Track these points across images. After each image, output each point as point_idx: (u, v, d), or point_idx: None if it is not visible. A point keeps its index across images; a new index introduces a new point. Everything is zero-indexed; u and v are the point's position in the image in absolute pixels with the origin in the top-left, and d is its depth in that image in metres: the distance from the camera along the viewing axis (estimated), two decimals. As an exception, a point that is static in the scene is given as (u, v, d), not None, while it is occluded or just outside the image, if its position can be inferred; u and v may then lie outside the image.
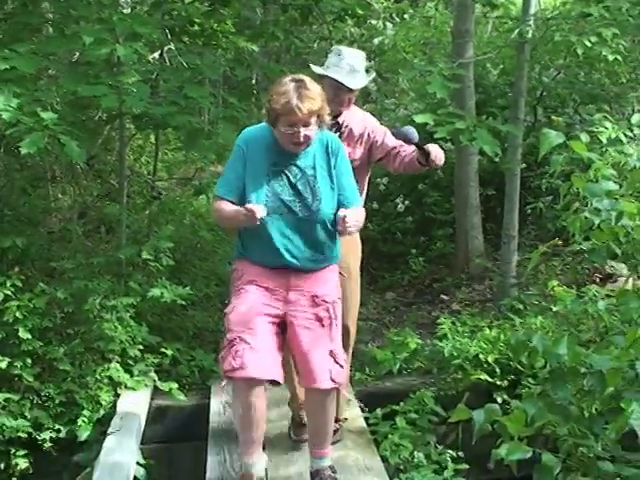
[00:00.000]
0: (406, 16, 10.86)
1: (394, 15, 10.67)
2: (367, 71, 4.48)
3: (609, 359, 3.30)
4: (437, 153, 4.19)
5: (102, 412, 5.30)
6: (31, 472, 5.22)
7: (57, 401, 5.30)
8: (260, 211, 3.60)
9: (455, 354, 5.59)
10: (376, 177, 8.52)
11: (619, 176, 4.10)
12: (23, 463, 5.18)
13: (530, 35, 6.61)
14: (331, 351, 3.81)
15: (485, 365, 5.47)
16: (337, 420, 4.42)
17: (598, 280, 6.93)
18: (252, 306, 3.79)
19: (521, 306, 6.46)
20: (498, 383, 5.39)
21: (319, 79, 4.27)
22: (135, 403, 5.32)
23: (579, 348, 3.47)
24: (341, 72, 4.27)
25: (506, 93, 8.80)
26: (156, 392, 5.57)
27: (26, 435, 5.18)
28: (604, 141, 5.95)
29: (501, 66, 9.45)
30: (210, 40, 7.14)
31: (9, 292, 5.39)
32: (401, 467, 4.68)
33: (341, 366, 3.84)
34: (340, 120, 4.37)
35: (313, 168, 3.82)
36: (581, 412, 3.48)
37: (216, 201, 3.88)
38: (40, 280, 5.75)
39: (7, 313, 5.29)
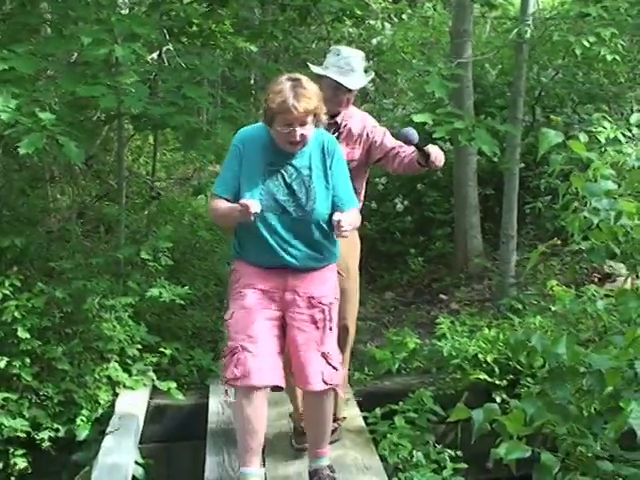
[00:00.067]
0: (404, 16, 10.85)
1: (392, 15, 10.65)
2: (366, 71, 4.46)
3: (608, 359, 3.30)
4: (437, 154, 4.17)
5: (101, 411, 5.30)
6: (30, 471, 5.22)
7: (56, 400, 5.30)
8: (254, 206, 3.59)
9: (454, 354, 5.60)
10: (375, 177, 8.53)
11: (618, 176, 4.10)
12: (22, 462, 5.18)
13: (528, 35, 6.61)
14: (324, 353, 3.80)
15: (484, 365, 5.47)
16: (336, 419, 4.42)
17: (597, 280, 6.93)
18: (251, 311, 3.78)
19: (520, 306, 6.46)
20: (497, 383, 5.39)
21: (318, 79, 4.27)
22: (134, 402, 5.33)
23: (578, 348, 3.47)
24: (340, 72, 4.26)
25: (504, 93, 8.80)
26: (155, 391, 5.57)
27: (25, 434, 5.18)
28: (602, 141, 5.95)
29: (499, 66, 9.46)
30: (208, 40, 7.14)
31: (8, 292, 5.39)
32: (400, 466, 4.68)
33: (335, 368, 3.82)
34: (339, 120, 4.36)
35: (309, 168, 3.80)
36: (580, 411, 3.48)
37: (213, 200, 3.88)
38: (39, 280, 5.75)
39: (6, 313, 5.28)
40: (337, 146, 3.94)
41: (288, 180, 3.78)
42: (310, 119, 3.69)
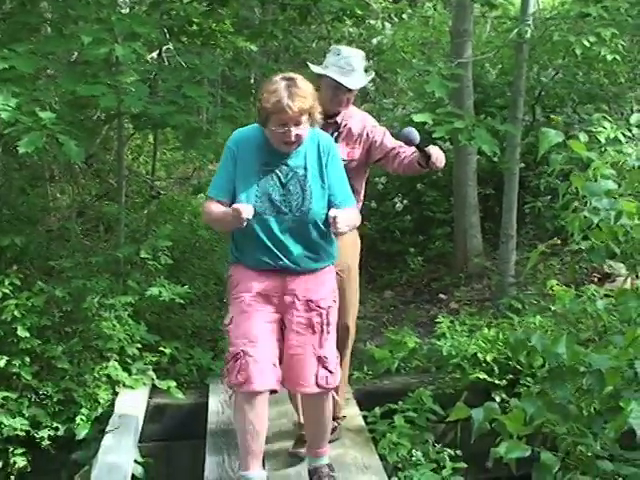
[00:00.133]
0: (405, 16, 10.86)
1: (393, 15, 10.67)
2: (366, 71, 4.44)
3: (608, 358, 3.30)
4: (438, 155, 4.14)
5: (100, 410, 5.29)
6: (29, 470, 5.22)
7: (55, 399, 5.30)
8: (246, 211, 3.55)
9: (453, 353, 5.60)
10: (374, 176, 8.53)
11: (618, 176, 4.10)
12: (21, 461, 5.18)
13: (529, 35, 6.61)
14: (320, 357, 3.79)
15: (483, 364, 5.47)
16: (335, 418, 4.42)
17: (597, 280, 6.94)
18: (250, 315, 3.76)
19: (520, 305, 6.47)
20: (496, 382, 5.39)
21: (318, 78, 4.27)
22: (133, 401, 5.33)
23: (578, 347, 3.48)
24: (340, 72, 4.24)
25: (505, 93, 8.80)
26: (154, 390, 5.56)
27: (24, 433, 5.18)
28: (603, 141, 5.95)
29: (500, 66, 9.47)
30: (208, 40, 7.15)
31: (7, 291, 5.39)
32: (399, 465, 4.68)
33: (330, 372, 3.80)
34: (339, 120, 4.35)
35: (304, 168, 3.77)
36: (580, 411, 3.49)
37: (207, 203, 3.84)
38: (39, 279, 5.76)
39: (5, 311, 5.29)
40: (333, 145, 3.90)
41: (284, 180, 3.74)
42: (305, 119, 3.65)
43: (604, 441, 3.40)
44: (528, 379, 5.24)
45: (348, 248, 4.34)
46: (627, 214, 3.63)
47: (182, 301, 5.84)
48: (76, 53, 7.00)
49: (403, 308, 7.76)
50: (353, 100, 4.43)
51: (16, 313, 5.29)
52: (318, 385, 3.78)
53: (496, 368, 5.44)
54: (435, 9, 11.21)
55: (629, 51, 7.96)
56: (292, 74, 3.70)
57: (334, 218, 3.58)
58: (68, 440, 5.22)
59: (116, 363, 5.50)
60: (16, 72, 5.08)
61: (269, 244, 3.73)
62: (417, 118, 5.60)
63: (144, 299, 5.78)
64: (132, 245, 6.09)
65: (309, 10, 7.09)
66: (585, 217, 3.66)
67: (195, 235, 7.48)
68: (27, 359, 5.31)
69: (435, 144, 4.27)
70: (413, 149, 4.19)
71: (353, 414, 5.00)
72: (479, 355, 5.50)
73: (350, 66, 4.26)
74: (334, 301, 3.91)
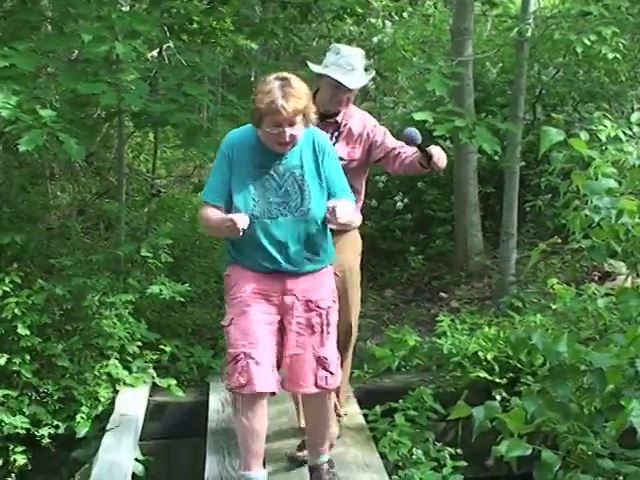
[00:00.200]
0: (405, 14, 10.84)
1: (393, 13, 10.65)
2: (366, 70, 4.41)
3: (609, 357, 3.29)
4: (440, 156, 4.10)
5: (101, 408, 5.30)
6: (30, 468, 5.24)
7: (56, 397, 5.30)
8: (242, 221, 3.51)
9: (454, 352, 5.60)
10: (375, 175, 8.52)
11: (619, 174, 4.09)
12: (22, 459, 5.19)
13: (529, 33, 6.61)
14: (319, 358, 3.76)
15: (484, 363, 5.48)
16: (336, 415, 4.42)
17: (597, 278, 6.95)
18: (249, 316, 3.72)
19: (520, 304, 6.47)
20: (497, 381, 5.40)
21: (318, 78, 4.26)
22: (134, 399, 5.33)
23: (579, 346, 3.46)
24: (340, 71, 4.20)
25: (505, 91, 8.81)
26: (155, 388, 5.57)
27: (24, 431, 5.18)
28: (603, 139, 5.95)
29: (500, 64, 9.46)
30: (209, 38, 7.15)
31: (8, 288, 5.39)
32: (400, 464, 4.68)
33: (331, 372, 3.78)
34: (339, 119, 4.32)
35: (301, 167, 3.71)
36: (581, 410, 3.48)
37: (203, 208, 3.79)
38: (39, 277, 5.76)
39: (6, 309, 5.29)
40: (328, 142, 3.86)
41: (280, 181, 3.69)
42: (299, 119, 3.59)
43: (605, 440, 3.39)
44: (529, 377, 5.25)
45: (349, 248, 4.33)
46: (628, 213, 3.62)
47: (182, 299, 5.84)
48: (76, 51, 7.00)
49: (404, 307, 7.77)
50: (353, 99, 4.41)
51: (16, 311, 5.29)
52: (317, 386, 3.76)
53: (497, 367, 5.45)
54: (436, 7, 11.19)
55: (630, 50, 7.95)
56: (286, 74, 3.63)
57: (333, 208, 3.53)
58: (68, 438, 5.23)
59: (116, 361, 5.50)
60: (17, 70, 5.08)
61: (268, 247, 3.68)
62: (418, 117, 5.60)
63: (144, 297, 5.79)
64: (132, 243, 6.09)
65: (310, 8, 7.09)
66: (586, 216, 3.65)
67: (195, 233, 7.48)
68: (27, 357, 5.31)
69: (436, 144, 4.25)
70: (414, 149, 4.15)
71: (354, 412, 5.00)
72: (480, 354, 5.51)
73: (350, 65, 4.23)
74: (334, 301, 3.88)
